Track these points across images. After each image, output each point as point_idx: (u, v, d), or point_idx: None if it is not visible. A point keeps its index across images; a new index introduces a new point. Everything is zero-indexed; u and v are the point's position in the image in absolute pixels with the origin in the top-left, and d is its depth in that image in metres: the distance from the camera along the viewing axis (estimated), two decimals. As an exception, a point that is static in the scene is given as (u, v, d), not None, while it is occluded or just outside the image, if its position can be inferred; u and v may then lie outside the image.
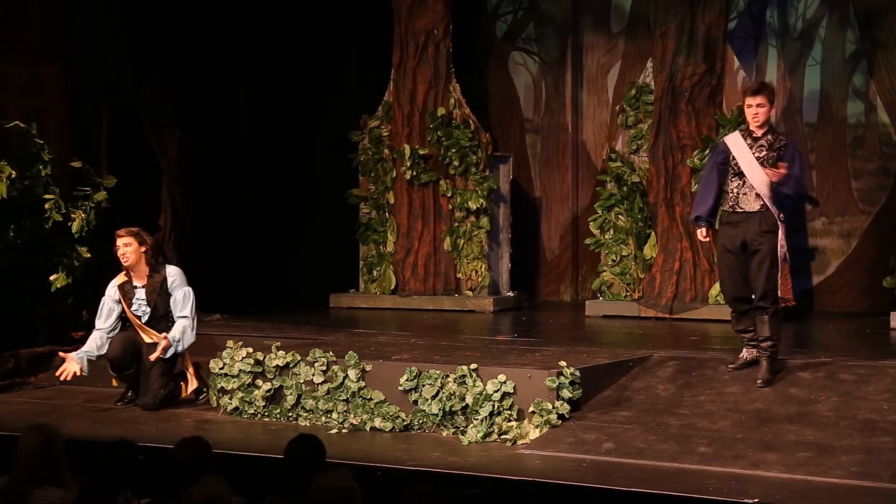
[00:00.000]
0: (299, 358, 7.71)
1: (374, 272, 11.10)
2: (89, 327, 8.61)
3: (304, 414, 7.55)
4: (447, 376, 7.25)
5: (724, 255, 7.17)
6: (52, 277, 8.71)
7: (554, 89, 11.83)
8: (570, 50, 11.73)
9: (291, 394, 7.62)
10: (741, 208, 7.05)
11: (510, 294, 10.99)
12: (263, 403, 7.69)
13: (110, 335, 7.93)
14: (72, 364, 7.82)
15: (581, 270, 11.63)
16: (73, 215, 8.89)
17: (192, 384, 7.95)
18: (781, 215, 7.03)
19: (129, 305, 7.91)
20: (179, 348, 7.84)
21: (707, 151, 9.77)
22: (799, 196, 7.27)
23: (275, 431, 7.27)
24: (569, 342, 8.59)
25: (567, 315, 10.76)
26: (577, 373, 7.12)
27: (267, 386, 7.71)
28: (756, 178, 6.97)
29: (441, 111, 10.80)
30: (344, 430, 7.31)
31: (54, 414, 7.67)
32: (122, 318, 8.00)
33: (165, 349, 7.74)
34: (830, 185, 10.75)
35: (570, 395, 7.03)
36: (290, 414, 7.61)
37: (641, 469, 6.23)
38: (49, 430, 4.87)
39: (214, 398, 7.87)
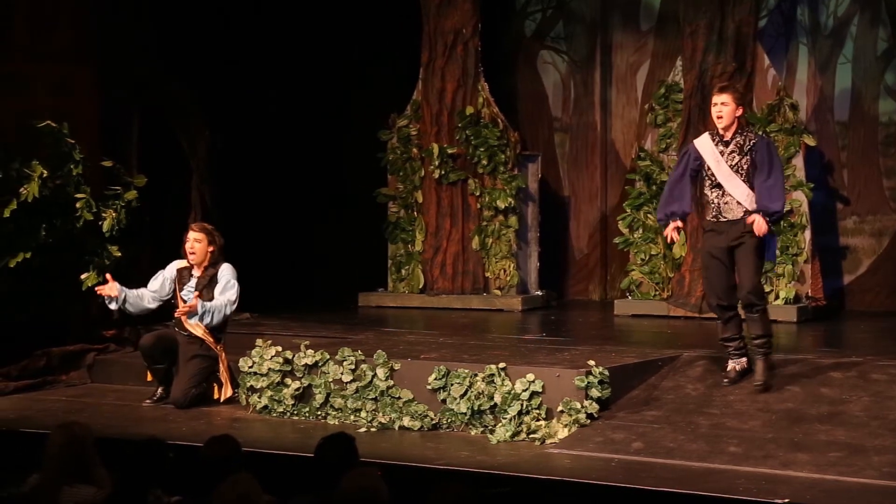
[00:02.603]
0: (328, 357, 7.72)
1: (403, 271, 11.11)
2: (121, 326, 8.68)
3: (333, 413, 7.57)
4: (476, 375, 7.25)
5: (709, 260, 6.99)
6: (83, 276, 8.76)
7: (583, 88, 11.80)
8: (598, 48, 11.71)
9: (320, 392, 7.64)
10: (725, 217, 6.89)
11: (539, 293, 10.97)
12: (292, 402, 7.71)
13: (153, 299, 8.03)
14: (113, 286, 7.93)
15: (610, 269, 11.60)
16: (103, 214, 8.94)
17: (227, 392, 7.98)
18: (767, 218, 6.84)
19: (181, 290, 8.01)
20: (206, 320, 7.82)
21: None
22: (776, 211, 6.84)
23: (304, 430, 7.28)
24: (598, 341, 8.56)
25: (596, 314, 10.74)
26: (606, 372, 7.10)
27: (296, 384, 7.73)
28: (735, 190, 6.81)
29: (470, 110, 10.80)
30: (372, 429, 7.32)
31: (85, 412, 7.71)
32: (172, 303, 8.06)
33: (192, 308, 7.78)
34: (862, 184, 10.68)
35: (599, 395, 7.01)
36: (319, 413, 7.62)
37: (671, 469, 6.21)
38: (78, 428, 4.90)
39: (244, 397, 7.90)
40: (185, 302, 7.94)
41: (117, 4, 9.83)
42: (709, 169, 6.87)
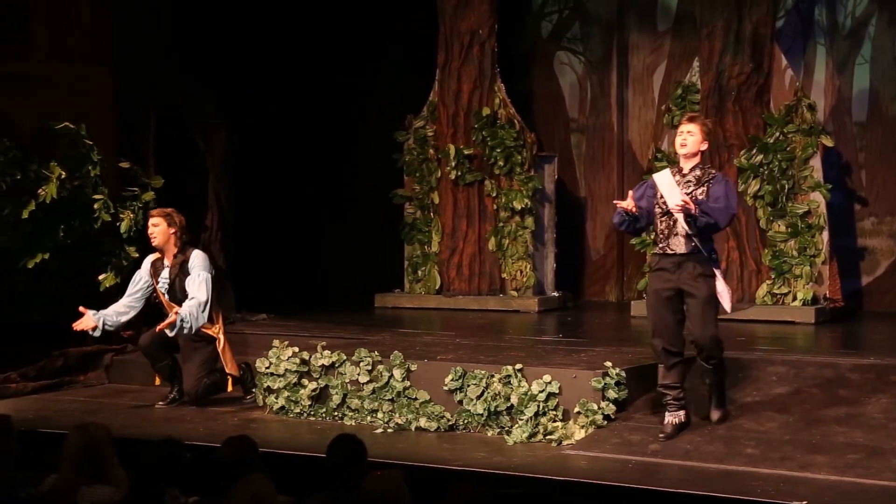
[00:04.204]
0: (345, 357, 7.73)
1: (419, 272, 11.12)
2: (137, 327, 8.69)
3: (350, 413, 7.57)
4: (492, 376, 7.24)
5: (656, 302, 6.60)
6: (100, 277, 8.80)
7: (599, 89, 11.79)
8: (615, 49, 11.69)
9: (337, 393, 7.64)
10: (672, 250, 6.53)
11: (555, 294, 10.96)
12: (309, 403, 7.72)
13: (132, 304, 8.00)
14: (88, 319, 7.89)
15: (626, 270, 11.58)
16: (121, 215, 8.97)
17: (231, 369, 7.92)
18: (714, 256, 6.58)
19: (157, 282, 8.00)
20: (186, 327, 7.75)
21: (754, 151, 9.72)
22: (714, 228, 6.51)
23: (320, 431, 7.29)
24: (614, 342, 8.54)
25: (612, 315, 10.72)
26: (623, 373, 7.09)
27: (312, 385, 7.74)
28: (681, 217, 6.45)
29: (486, 111, 10.80)
30: (389, 430, 7.32)
31: (102, 413, 7.74)
32: (155, 300, 8.04)
33: (172, 324, 7.72)
34: (880, 185, 10.64)
35: (616, 396, 7.00)
36: (336, 413, 7.63)
37: (688, 470, 6.19)
38: (96, 428, 4.91)
39: (260, 397, 7.91)
40: (164, 294, 7.92)
41: (134, 5, 9.86)
42: (661, 197, 6.56)
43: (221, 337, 7.95)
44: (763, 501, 5.57)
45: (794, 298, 9.66)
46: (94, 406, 8.09)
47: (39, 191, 8.79)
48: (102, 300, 8.25)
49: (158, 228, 7.94)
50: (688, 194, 6.49)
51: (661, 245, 6.61)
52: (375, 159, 11.42)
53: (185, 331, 7.75)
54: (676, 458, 6.37)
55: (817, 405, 6.81)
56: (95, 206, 8.94)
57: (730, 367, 7.36)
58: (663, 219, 6.58)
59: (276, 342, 8.00)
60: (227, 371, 7.96)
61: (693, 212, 6.38)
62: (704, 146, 6.62)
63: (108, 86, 9.70)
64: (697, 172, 6.58)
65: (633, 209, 6.56)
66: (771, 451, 6.33)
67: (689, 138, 6.57)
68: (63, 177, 8.86)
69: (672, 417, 6.69)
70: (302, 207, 11.37)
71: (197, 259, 7.93)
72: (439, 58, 11.00)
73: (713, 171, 6.65)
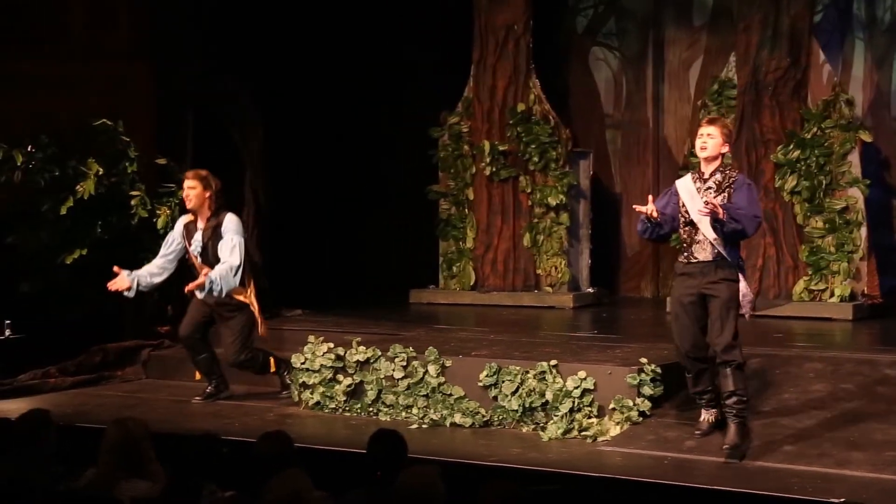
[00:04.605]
0: (380, 353, 7.75)
1: (454, 268, 11.12)
2: (175, 322, 8.75)
3: (385, 409, 7.59)
4: (527, 372, 7.24)
5: (679, 309, 6.50)
6: (138, 273, 8.85)
7: (635, 84, 11.75)
8: (651, 44, 11.64)
9: (372, 389, 7.66)
10: (696, 258, 6.43)
11: (590, 290, 10.93)
12: (344, 398, 7.74)
13: (165, 266, 8.01)
14: (122, 280, 7.92)
15: (662, 266, 11.53)
16: (158, 211, 9.04)
17: (263, 330, 7.92)
18: (741, 263, 6.49)
19: (190, 245, 7.98)
20: (216, 290, 7.72)
21: (791, 146, 9.65)
22: (742, 235, 6.41)
23: (355, 426, 7.31)
24: (650, 339, 8.50)
25: (648, 311, 10.68)
26: (659, 370, 7.06)
27: (348, 381, 7.76)
28: (707, 228, 6.34)
29: (521, 107, 10.78)
30: (424, 426, 7.33)
31: (140, 407, 7.80)
32: (189, 263, 8.03)
33: (201, 285, 7.71)
34: (919, 180, 10.55)
35: (652, 392, 6.98)
36: (371, 409, 7.65)
37: (724, 467, 6.16)
38: (133, 424, 4.95)
39: (296, 393, 7.95)
40: (196, 257, 7.91)
41: (172, 3, 9.92)
42: (683, 206, 6.48)
43: (254, 301, 7.92)
44: (800, 499, 5.54)
45: (832, 295, 9.59)
46: (132, 401, 8.15)
47: (77, 187, 8.87)
48: (139, 296, 8.30)
49: (194, 191, 7.89)
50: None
51: (685, 254, 6.50)
52: (411, 156, 11.43)
53: (216, 293, 7.72)
54: (712, 454, 6.34)
55: (855, 402, 6.77)
56: (132, 202, 9.00)
57: (765, 365, 7.33)
58: (686, 228, 6.47)
59: (311, 338, 8.03)
60: (263, 332, 7.94)
61: (721, 216, 6.25)
62: (725, 149, 6.50)
63: (146, 83, 9.76)
64: (718, 177, 6.44)
65: (655, 215, 6.47)
66: (808, 447, 6.30)
67: (709, 141, 6.44)
68: (101, 173, 8.93)
69: (707, 415, 6.64)
70: (337, 204, 11.40)
71: (231, 223, 7.89)
72: (474, 53, 10.99)
73: (734, 175, 6.48)
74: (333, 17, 11.27)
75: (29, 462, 4.96)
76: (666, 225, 6.55)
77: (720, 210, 6.25)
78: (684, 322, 6.49)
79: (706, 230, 6.36)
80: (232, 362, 7.94)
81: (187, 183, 7.96)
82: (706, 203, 6.28)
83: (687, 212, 6.45)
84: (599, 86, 11.90)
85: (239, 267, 7.76)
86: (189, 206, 7.95)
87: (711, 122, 6.57)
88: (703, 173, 6.50)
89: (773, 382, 7.12)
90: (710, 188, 6.44)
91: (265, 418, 7.58)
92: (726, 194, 6.39)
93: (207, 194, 7.89)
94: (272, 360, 8.07)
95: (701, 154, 6.49)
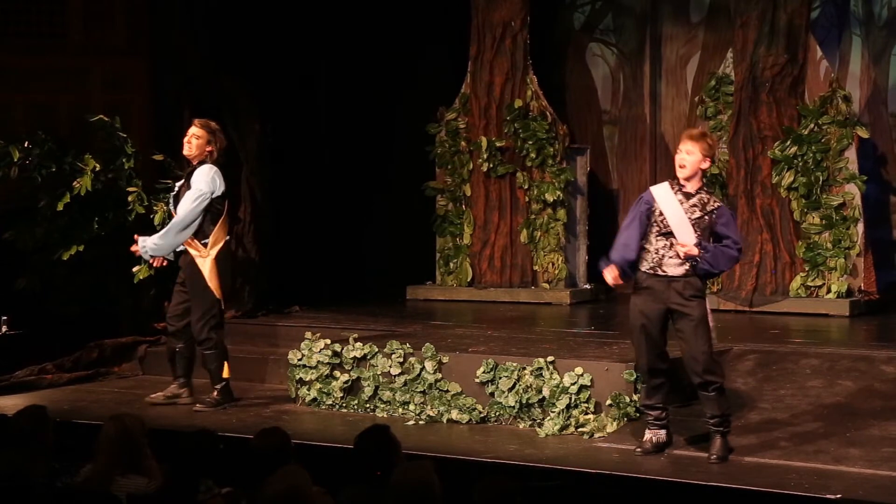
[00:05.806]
0: (377, 349, 7.75)
1: (451, 264, 11.12)
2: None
3: (382, 405, 7.60)
4: (524, 369, 7.25)
5: (639, 321, 6.27)
6: (135, 269, 8.84)
7: (632, 80, 11.74)
8: (648, 41, 11.63)
9: (369, 385, 7.67)
10: (663, 271, 6.20)
11: (587, 286, 10.93)
12: (341, 394, 7.75)
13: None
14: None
15: (659, 263, 11.52)
16: (155, 208, 9.03)
17: (217, 293, 7.61)
18: (703, 279, 6.30)
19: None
20: (145, 255, 7.55)
21: (788, 143, 9.65)
22: (710, 275, 6.32)
23: (352, 422, 7.31)
24: (647, 335, 8.51)
25: (645, 308, 10.67)
26: (655, 366, 7.06)
27: (345, 377, 7.76)
28: (684, 237, 6.14)
29: (518, 103, 10.78)
30: (421, 422, 7.34)
31: (137, 403, 7.80)
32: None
33: (138, 251, 7.59)
34: (916, 176, 10.56)
35: (648, 389, 6.97)
36: (368, 405, 7.66)
37: (721, 463, 6.17)
38: (130, 420, 4.96)
39: (293, 389, 7.95)
40: (170, 205, 7.78)
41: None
42: (661, 215, 6.22)
43: (211, 256, 7.52)
44: (797, 495, 5.55)
45: (829, 291, 9.60)
46: (129, 397, 8.15)
47: (74, 183, 8.87)
48: (138, 292, 8.31)
49: (197, 140, 7.58)
50: (694, 220, 6.19)
51: (651, 264, 6.25)
52: (408, 152, 11.42)
53: (148, 256, 7.62)
54: (709, 451, 6.34)
55: (852, 398, 6.78)
56: (130, 198, 9.00)
57: (762, 361, 7.34)
58: (659, 239, 6.24)
59: (308, 334, 8.03)
60: (211, 291, 7.57)
61: (697, 258, 6.12)
62: (706, 164, 6.29)
63: (143, 79, 9.77)
64: (703, 197, 6.25)
65: (620, 281, 6.29)
66: (805, 444, 6.30)
67: (687, 158, 6.24)
68: (98, 169, 8.93)
69: (652, 434, 6.43)
70: (334, 200, 11.38)
71: (201, 173, 7.52)
72: (471, 50, 10.98)
73: (716, 202, 6.29)
74: (331, 13, 11.25)
75: (26, 458, 4.96)
76: (631, 254, 6.28)
77: (697, 252, 6.11)
78: (647, 336, 6.28)
79: (682, 238, 6.15)
80: (196, 338, 7.63)
81: (194, 130, 7.61)
82: (687, 251, 6.12)
83: (664, 221, 6.22)
84: (597, 82, 11.89)
85: (183, 225, 7.42)
86: (185, 151, 7.64)
87: (691, 137, 6.32)
88: (683, 185, 6.28)
89: (770, 378, 7.13)
90: (694, 206, 6.25)
91: (262, 414, 7.58)
92: (708, 220, 6.22)
93: (209, 148, 7.60)
94: (227, 366, 7.75)
95: (680, 173, 6.28)
